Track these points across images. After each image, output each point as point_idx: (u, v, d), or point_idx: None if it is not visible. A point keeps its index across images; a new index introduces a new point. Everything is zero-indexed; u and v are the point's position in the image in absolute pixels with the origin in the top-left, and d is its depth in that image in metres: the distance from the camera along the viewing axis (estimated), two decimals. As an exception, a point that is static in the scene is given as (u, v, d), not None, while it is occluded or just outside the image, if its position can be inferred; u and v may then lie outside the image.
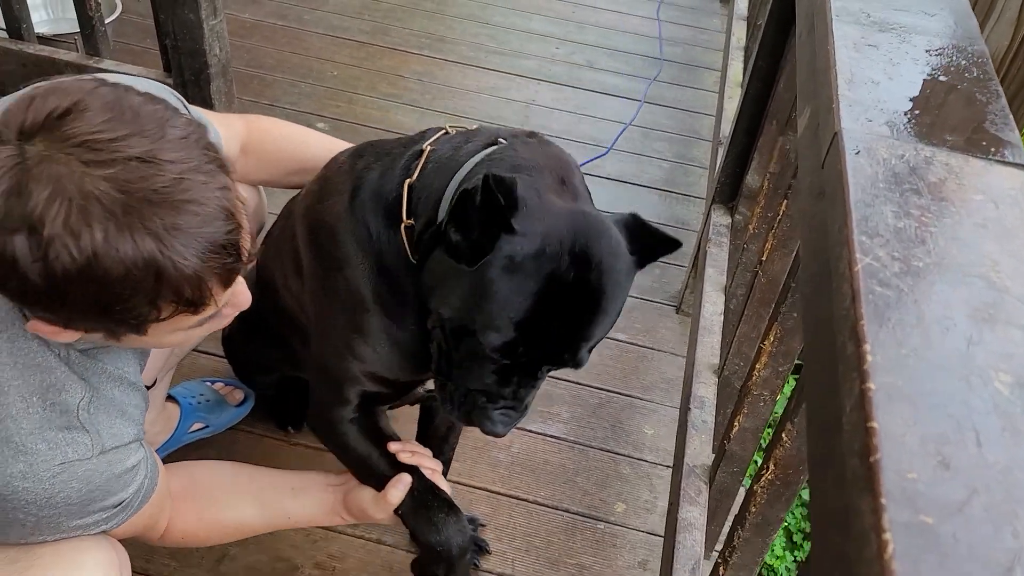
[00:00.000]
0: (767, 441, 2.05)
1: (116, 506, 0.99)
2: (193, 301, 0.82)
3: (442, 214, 1.04)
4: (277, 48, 3.11)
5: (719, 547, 1.47)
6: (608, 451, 1.90)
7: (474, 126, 1.22)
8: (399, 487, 1.22)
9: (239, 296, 0.92)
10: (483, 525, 1.70)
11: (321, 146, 1.41)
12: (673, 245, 1.04)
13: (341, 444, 1.28)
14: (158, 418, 1.62)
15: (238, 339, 1.69)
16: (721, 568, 1.15)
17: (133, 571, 1.53)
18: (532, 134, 1.13)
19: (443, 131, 1.16)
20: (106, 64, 2.19)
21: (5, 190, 0.74)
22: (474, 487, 1.77)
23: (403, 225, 1.09)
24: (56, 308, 0.80)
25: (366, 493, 1.26)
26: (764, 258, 1.41)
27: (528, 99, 3.03)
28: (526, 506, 1.76)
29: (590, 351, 1.01)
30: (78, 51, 2.37)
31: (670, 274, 2.39)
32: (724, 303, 1.76)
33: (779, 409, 2.00)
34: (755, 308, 1.47)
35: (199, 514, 1.22)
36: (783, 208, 1.33)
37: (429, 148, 1.12)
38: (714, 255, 1.86)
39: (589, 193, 1.07)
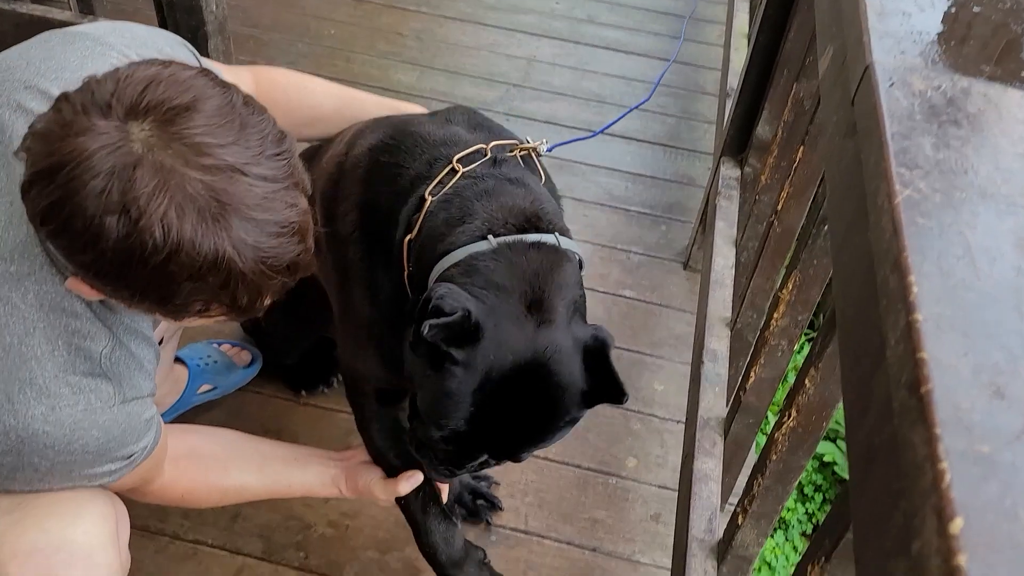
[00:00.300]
0: (784, 391, 2.04)
1: (127, 458, 0.98)
2: (242, 309, 0.85)
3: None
4: (272, 7, 3.05)
5: (733, 500, 1.47)
6: (618, 407, 1.89)
7: (489, 145, 1.14)
8: (411, 481, 1.28)
9: None
10: (496, 483, 1.70)
11: (329, 94, 1.38)
12: (619, 398, 1.00)
13: (365, 429, 1.34)
14: (166, 380, 1.61)
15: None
16: (740, 517, 1.14)
17: (148, 531, 1.54)
18: (532, 220, 1.06)
19: (449, 166, 1.12)
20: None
21: (109, 169, 0.74)
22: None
23: (405, 272, 1.12)
24: (114, 283, 0.81)
25: (376, 474, 1.30)
26: (779, 208, 1.38)
27: (529, 55, 2.98)
28: (537, 462, 1.75)
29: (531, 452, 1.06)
30: (71, 10, 2.32)
31: (676, 231, 2.37)
32: (735, 256, 1.74)
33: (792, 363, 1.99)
34: (769, 259, 1.45)
35: (203, 476, 1.21)
36: (799, 155, 1.30)
37: (430, 200, 1.09)
38: (724, 208, 1.84)
39: (577, 304, 1.04)
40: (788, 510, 1.98)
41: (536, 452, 1.05)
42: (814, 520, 1.97)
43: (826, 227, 1.09)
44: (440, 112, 1.29)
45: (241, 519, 1.57)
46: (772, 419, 2.04)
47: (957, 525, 0.42)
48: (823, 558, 0.77)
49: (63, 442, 0.89)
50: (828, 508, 1.95)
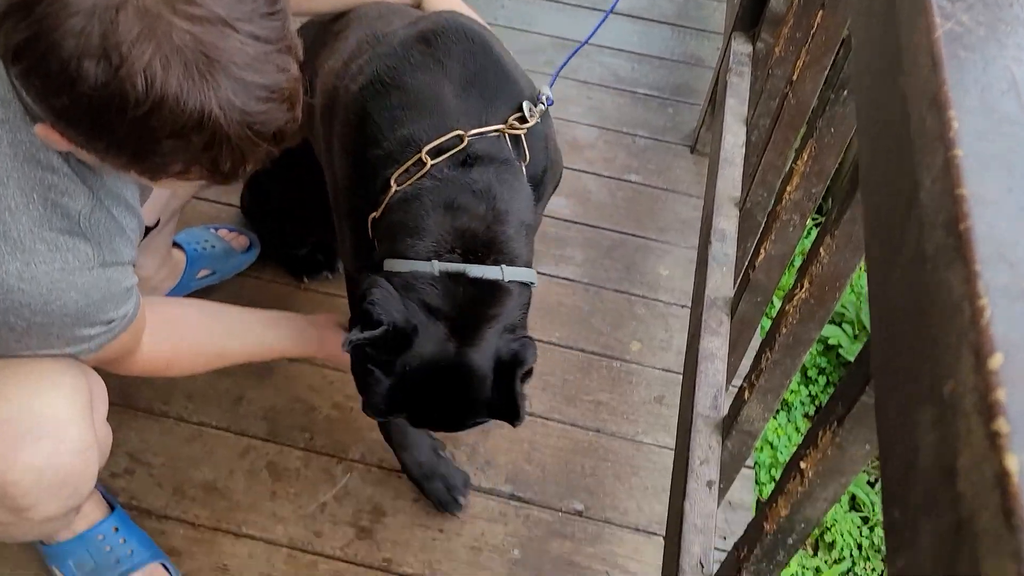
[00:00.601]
0: (791, 276, 2.02)
1: (107, 323, 0.94)
2: (224, 174, 0.82)
3: None
4: None
5: (738, 381, 1.46)
6: (622, 292, 1.88)
7: (468, 133, 1.08)
8: None
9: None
10: (499, 366, 1.70)
11: None
12: (512, 420, 1.06)
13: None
14: (164, 264, 1.59)
15: (270, 202, 1.68)
16: (747, 392, 1.14)
17: (152, 413, 1.55)
18: (481, 251, 1.05)
19: (417, 156, 1.06)
20: None
21: (90, 8, 0.69)
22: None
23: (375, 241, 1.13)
24: (89, 133, 0.76)
25: None
26: (794, 78, 1.32)
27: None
28: (541, 347, 1.71)
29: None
30: None
31: (684, 113, 2.30)
32: (745, 135, 1.68)
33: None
34: (783, 133, 1.40)
35: (182, 343, 1.18)
36: (818, 20, 1.23)
37: (394, 188, 1.07)
38: (735, 85, 1.77)
39: (510, 325, 1.05)
40: (791, 392, 1.99)
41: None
42: (817, 402, 1.99)
43: (845, 92, 1.04)
44: (439, 38, 1.13)
45: (245, 402, 1.58)
46: (778, 304, 2.03)
47: (997, 361, 0.39)
48: (835, 423, 0.76)
49: (40, 302, 0.86)
50: (832, 389, 1.96)
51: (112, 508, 1.32)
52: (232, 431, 1.54)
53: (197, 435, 1.53)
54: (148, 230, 1.39)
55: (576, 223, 1.99)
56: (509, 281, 1.05)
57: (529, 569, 1.43)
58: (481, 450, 1.57)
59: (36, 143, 0.83)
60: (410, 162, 1.07)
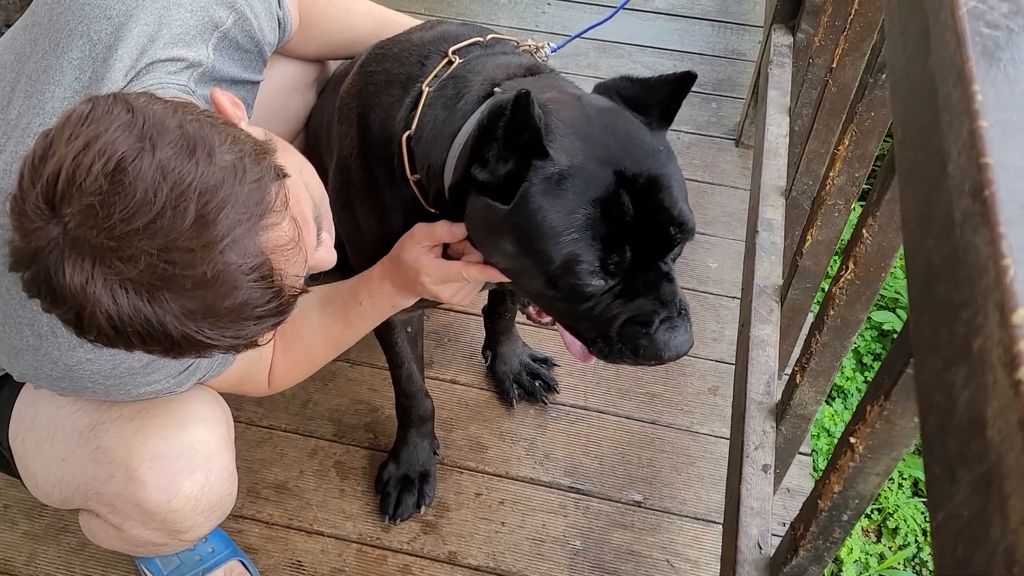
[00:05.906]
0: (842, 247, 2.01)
1: (182, 371, 1.01)
2: (241, 349, 0.82)
3: (448, 180, 1.00)
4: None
5: (788, 370, 1.47)
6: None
7: (486, 37, 1.13)
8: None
9: (320, 263, 0.90)
10: (556, 365, 1.73)
11: (370, 16, 1.34)
12: (688, 78, 0.99)
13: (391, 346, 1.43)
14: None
15: None
16: (798, 376, 1.15)
17: (224, 418, 1.62)
18: (533, 70, 1.07)
19: (445, 60, 1.09)
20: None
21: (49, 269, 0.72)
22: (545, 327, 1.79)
23: (411, 181, 1.07)
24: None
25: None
26: (835, 66, 1.33)
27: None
28: (594, 342, 1.77)
29: (687, 205, 0.96)
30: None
31: (727, 107, 2.31)
32: (789, 125, 1.69)
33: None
34: (824, 121, 1.41)
35: (284, 348, 1.19)
36: (855, 7, 1.25)
37: (427, 92, 1.06)
38: (776, 77, 1.78)
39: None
40: (847, 379, 1.98)
41: (682, 194, 0.95)
42: (873, 389, 1.97)
43: (884, 75, 1.05)
44: (430, 21, 1.25)
45: (311, 404, 1.64)
46: (829, 292, 2.02)
47: (1020, 315, 0.42)
48: (882, 396, 0.78)
49: (108, 367, 0.94)
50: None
51: (192, 508, 1.39)
52: (300, 433, 1.61)
53: (267, 438, 1.60)
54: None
55: (624, 221, 2.02)
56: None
57: (590, 559, 1.46)
58: (539, 444, 1.61)
59: None
60: (439, 66, 1.08)
